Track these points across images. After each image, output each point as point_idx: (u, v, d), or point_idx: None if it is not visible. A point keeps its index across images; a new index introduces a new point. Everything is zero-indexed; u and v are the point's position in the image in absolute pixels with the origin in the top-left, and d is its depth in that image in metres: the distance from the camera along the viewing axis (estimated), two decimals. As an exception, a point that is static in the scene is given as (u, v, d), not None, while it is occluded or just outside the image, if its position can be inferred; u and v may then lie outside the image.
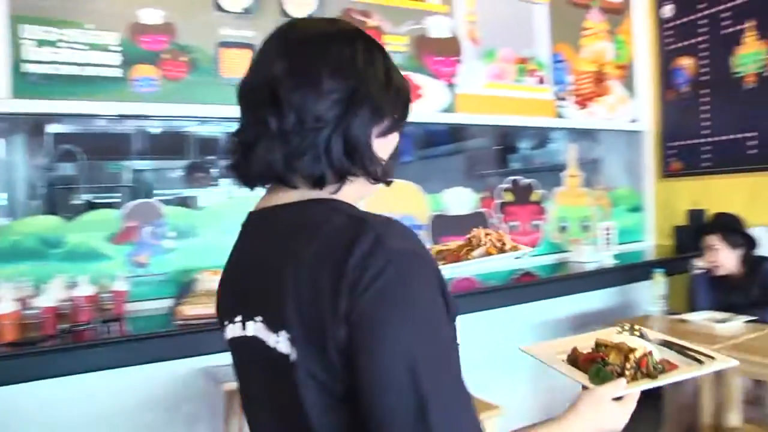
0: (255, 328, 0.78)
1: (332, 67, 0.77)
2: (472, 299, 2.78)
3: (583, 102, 3.63)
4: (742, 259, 2.89)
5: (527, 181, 3.42)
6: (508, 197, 3.33)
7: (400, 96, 0.83)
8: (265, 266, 0.78)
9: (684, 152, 3.82)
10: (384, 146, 0.83)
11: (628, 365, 1.10)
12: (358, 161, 0.78)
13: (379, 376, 0.67)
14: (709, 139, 3.62)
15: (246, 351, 0.81)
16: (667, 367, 1.14)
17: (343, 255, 0.69)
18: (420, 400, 0.66)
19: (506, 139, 4.08)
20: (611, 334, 1.23)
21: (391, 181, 0.84)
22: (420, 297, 0.70)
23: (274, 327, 0.74)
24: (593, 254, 3.30)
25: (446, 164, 4.08)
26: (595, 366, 1.12)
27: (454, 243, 1.63)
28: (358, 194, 0.84)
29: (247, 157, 0.79)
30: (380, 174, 0.81)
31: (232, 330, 0.84)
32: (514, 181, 3.37)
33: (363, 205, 0.81)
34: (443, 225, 3.10)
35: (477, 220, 3.21)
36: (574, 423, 0.92)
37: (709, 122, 3.63)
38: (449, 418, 0.68)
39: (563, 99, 3.54)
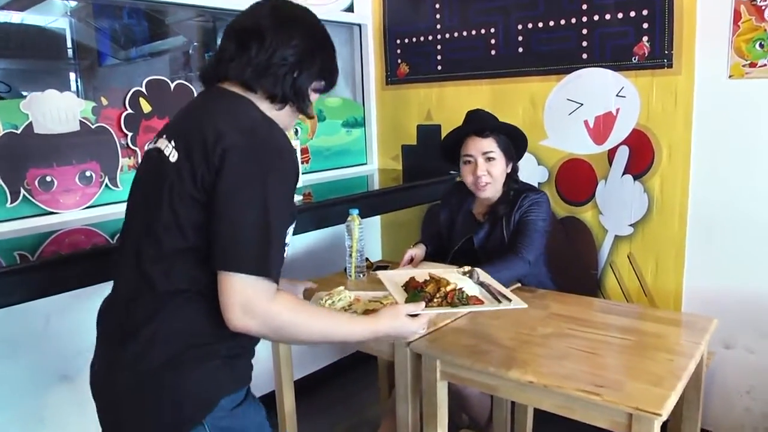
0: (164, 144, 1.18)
1: (302, 32, 1.22)
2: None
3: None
4: (505, 183, 2.11)
5: (179, 82, 2.33)
6: (145, 107, 2.23)
7: (335, 72, 1.32)
8: (195, 115, 1.20)
9: (412, 53, 3.02)
10: (314, 98, 1.30)
11: (438, 294, 1.42)
12: (297, 97, 1.23)
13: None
14: (445, 36, 2.85)
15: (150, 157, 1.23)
16: (473, 301, 1.44)
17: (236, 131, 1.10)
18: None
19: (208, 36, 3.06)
20: (446, 272, 1.60)
21: (313, 116, 1.50)
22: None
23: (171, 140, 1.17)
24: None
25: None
26: (413, 291, 1.46)
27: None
28: (283, 118, 1.25)
29: (220, 66, 1.21)
30: (306, 110, 1.27)
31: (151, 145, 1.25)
32: (152, 83, 2.26)
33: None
34: (25, 149, 1.94)
35: (92, 141, 2.09)
36: (372, 322, 1.25)
37: (442, 15, 2.84)
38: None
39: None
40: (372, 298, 1.73)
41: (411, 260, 2.11)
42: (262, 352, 2.38)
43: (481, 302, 1.45)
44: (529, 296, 1.85)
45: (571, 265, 2.53)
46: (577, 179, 2.53)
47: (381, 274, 1.63)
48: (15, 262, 1.69)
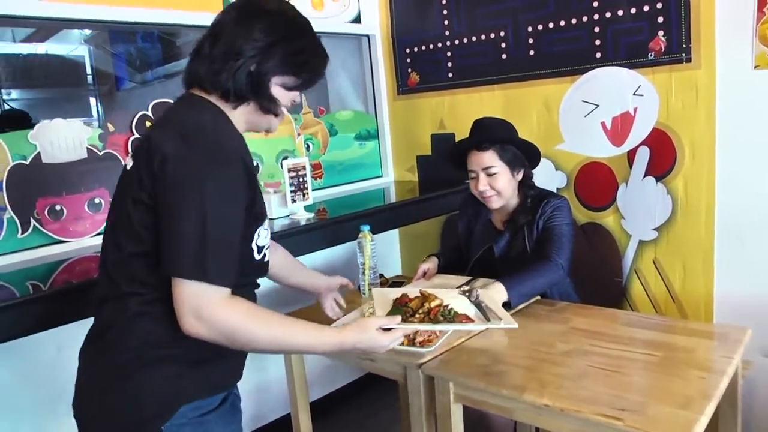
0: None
1: (265, 25, 1.14)
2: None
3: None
4: (519, 190, 2.02)
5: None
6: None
7: (308, 66, 1.22)
8: (154, 123, 1.32)
9: (422, 61, 2.96)
10: (285, 96, 1.21)
11: (421, 310, 1.41)
12: (254, 91, 1.15)
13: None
14: (454, 43, 2.79)
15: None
16: (460, 319, 1.44)
17: (177, 138, 1.08)
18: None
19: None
20: (442, 291, 1.59)
21: (281, 115, 1.23)
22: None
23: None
24: (280, 208, 2.31)
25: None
26: (397, 307, 1.46)
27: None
28: (249, 118, 1.21)
29: (188, 70, 1.19)
30: (269, 107, 1.19)
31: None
32: (159, 107, 2.24)
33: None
34: (34, 179, 1.94)
35: (100, 168, 2.08)
36: (337, 334, 1.22)
37: (450, 21, 2.79)
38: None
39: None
40: None
41: (424, 275, 2.05)
42: (277, 373, 2.34)
43: (471, 321, 1.42)
44: (549, 310, 1.77)
45: (595, 273, 2.44)
46: (596, 183, 2.44)
47: (375, 291, 1.64)
48: (28, 292, 1.67)
